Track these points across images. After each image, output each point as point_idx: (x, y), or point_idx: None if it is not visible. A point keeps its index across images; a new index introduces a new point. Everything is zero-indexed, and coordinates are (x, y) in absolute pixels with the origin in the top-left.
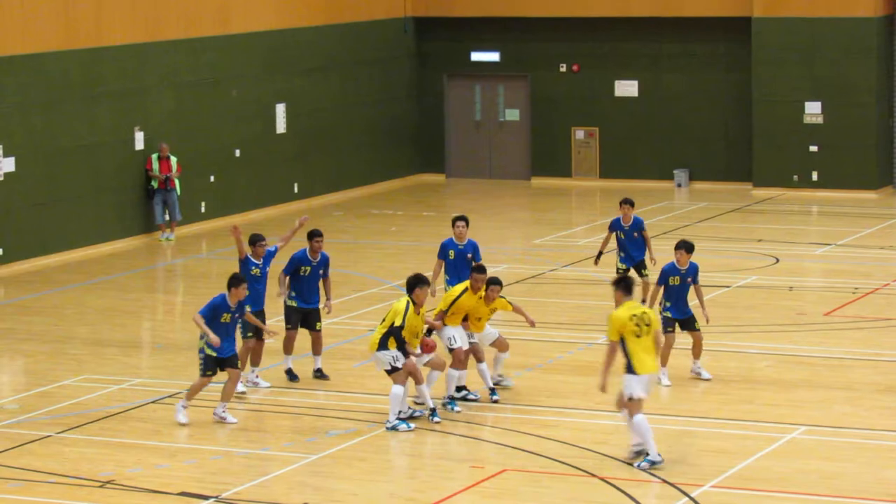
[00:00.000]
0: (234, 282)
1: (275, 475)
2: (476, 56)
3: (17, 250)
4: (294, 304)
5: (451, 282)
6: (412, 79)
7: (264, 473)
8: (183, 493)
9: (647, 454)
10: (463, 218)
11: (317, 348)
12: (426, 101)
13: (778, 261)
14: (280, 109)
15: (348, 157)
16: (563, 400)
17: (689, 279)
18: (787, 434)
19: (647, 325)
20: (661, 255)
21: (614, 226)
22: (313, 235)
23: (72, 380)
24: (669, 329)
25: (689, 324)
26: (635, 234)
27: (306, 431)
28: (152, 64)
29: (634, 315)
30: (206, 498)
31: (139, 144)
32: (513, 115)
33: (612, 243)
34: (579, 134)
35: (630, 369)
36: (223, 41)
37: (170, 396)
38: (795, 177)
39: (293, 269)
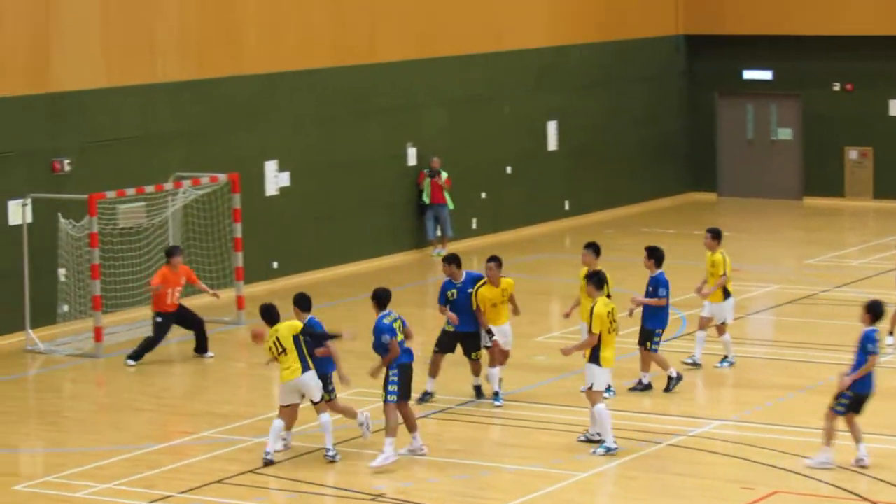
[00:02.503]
0: None
1: (543, 492)
2: (748, 74)
3: (292, 264)
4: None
5: None
6: (683, 97)
7: (533, 490)
8: None
9: (604, 442)
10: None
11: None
12: (697, 119)
13: None
14: (552, 126)
15: (619, 175)
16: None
17: None
18: None
19: (615, 322)
20: None
21: None
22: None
23: (345, 394)
24: None
25: None
26: None
27: (574, 448)
28: (424, 80)
29: (610, 312)
30: None
31: (412, 160)
32: (785, 133)
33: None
34: (852, 154)
35: (596, 361)
36: (495, 58)
37: (440, 412)
38: None
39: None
